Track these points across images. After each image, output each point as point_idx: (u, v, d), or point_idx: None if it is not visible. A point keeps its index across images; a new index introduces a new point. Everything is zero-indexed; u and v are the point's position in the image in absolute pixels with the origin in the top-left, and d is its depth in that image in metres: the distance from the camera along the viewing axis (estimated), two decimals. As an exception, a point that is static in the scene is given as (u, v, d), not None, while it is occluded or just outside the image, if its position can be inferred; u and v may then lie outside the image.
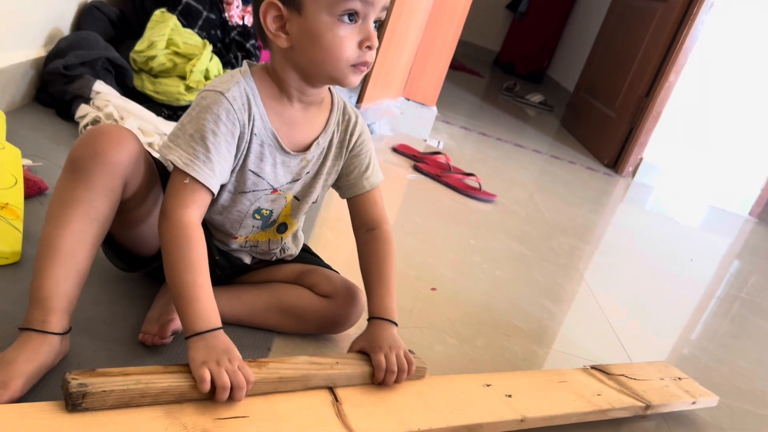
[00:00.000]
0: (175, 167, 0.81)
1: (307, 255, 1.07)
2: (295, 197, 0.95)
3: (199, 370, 0.72)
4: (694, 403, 1.13)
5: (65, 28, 1.70)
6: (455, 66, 4.68)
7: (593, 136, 3.58)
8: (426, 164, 2.23)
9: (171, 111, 1.72)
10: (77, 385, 0.66)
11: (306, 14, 0.80)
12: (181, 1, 1.82)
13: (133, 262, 0.95)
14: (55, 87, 1.55)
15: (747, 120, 3.12)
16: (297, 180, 0.93)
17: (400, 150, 2.32)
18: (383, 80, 2.40)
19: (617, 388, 1.06)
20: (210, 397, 0.73)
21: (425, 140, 2.62)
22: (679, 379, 1.19)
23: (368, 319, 0.94)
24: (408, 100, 2.63)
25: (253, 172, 0.88)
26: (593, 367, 1.11)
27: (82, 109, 1.50)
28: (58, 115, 1.56)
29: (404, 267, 1.44)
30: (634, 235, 2.46)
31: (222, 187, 0.88)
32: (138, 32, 1.77)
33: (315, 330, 1.02)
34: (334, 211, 1.64)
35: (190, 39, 1.77)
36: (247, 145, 0.86)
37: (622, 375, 1.10)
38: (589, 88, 3.88)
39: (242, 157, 0.87)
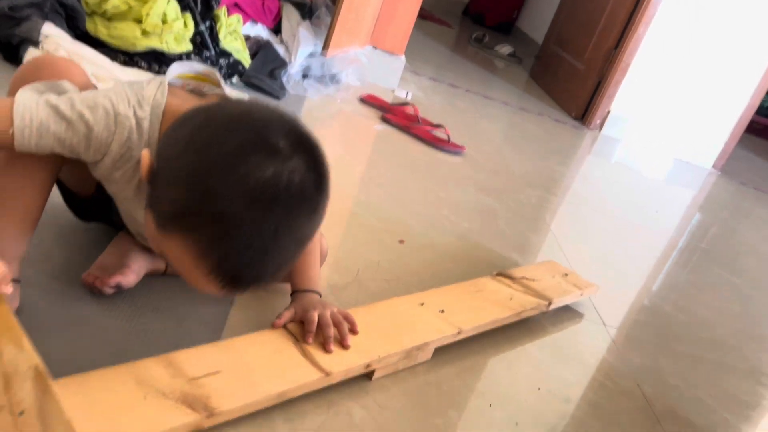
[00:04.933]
0: None
1: None
2: None
3: None
4: (581, 294, 1.29)
5: (10, -34, 1.59)
6: (424, 15, 4.58)
7: (562, 89, 3.56)
8: (394, 115, 2.19)
9: (127, 57, 1.64)
10: None
11: None
12: (136, -61, 1.71)
13: (83, 208, 0.94)
14: (1, 30, 1.46)
15: (714, 73, 3.13)
16: None
17: (368, 100, 2.27)
18: (350, 26, 2.33)
19: (523, 291, 1.20)
20: None
21: (393, 91, 2.57)
22: (566, 275, 1.33)
23: (291, 294, 0.92)
24: (375, 48, 2.57)
25: None
26: (499, 274, 1.24)
27: (31, 53, 1.42)
28: (5, 60, 1.48)
29: (372, 219, 1.42)
30: (601, 187, 2.47)
31: None
32: (90, -28, 1.68)
33: None
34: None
35: (145, -20, 1.67)
36: None
37: (523, 278, 1.25)
38: (558, 40, 3.84)
39: None
